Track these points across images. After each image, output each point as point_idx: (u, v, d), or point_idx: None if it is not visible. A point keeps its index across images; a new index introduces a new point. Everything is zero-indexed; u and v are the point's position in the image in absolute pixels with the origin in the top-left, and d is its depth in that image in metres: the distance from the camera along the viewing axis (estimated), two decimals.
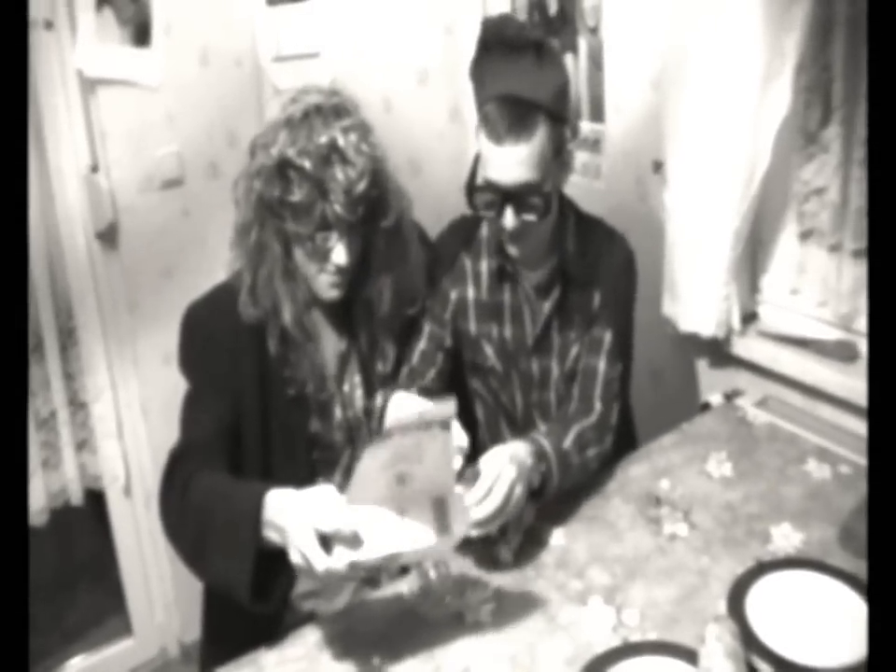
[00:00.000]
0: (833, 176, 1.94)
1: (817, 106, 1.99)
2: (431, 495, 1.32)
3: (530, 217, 1.63)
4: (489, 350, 1.84)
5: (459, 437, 1.41)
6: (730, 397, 2.04)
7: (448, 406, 1.27)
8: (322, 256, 1.48)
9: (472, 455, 1.50)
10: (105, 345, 2.33)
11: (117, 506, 2.45)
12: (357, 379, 1.64)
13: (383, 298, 1.60)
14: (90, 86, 2.13)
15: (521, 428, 1.88)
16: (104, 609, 2.63)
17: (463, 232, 1.86)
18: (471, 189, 1.67)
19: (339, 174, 1.41)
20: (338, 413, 1.63)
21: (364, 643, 1.39)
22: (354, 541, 1.26)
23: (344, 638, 1.41)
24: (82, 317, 2.31)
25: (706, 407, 2.06)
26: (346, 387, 1.64)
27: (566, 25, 2.40)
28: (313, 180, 1.41)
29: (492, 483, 1.42)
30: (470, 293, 1.82)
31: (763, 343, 2.10)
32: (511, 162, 1.59)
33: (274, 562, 1.33)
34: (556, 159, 1.66)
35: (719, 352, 2.19)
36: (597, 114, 2.34)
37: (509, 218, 1.62)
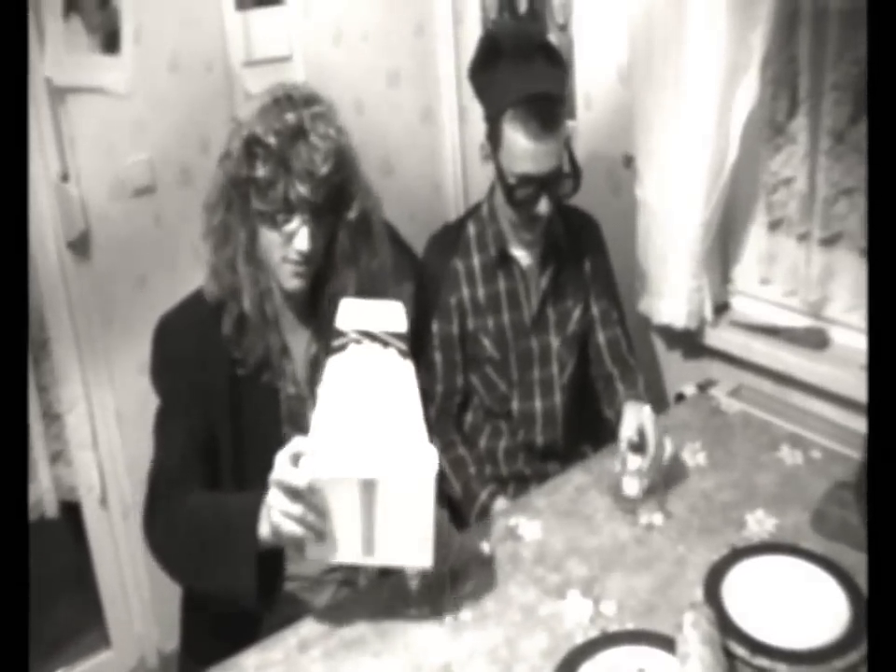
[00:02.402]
0: (801, 166, 1.96)
1: (783, 98, 2.02)
2: (399, 431, 1.28)
3: (564, 194, 1.80)
4: (486, 342, 1.93)
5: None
6: (703, 387, 2.06)
7: (398, 312, 1.32)
8: (285, 240, 1.47)
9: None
10: (78, 356, 2.30)
11: (93, 517, 2.42)
12: None
13: (347, 293, 1.57)
14: (59, 94, 2.11)
15: (519, 409, 1.96)
16: (81, 621, 2.59)
17: (447, 242, 1.96)
18: (509, 188, 1.78)
19: (303, 153, 1.42)
20: (311, 416, 1.62)
21: (344, 644, 1.38)
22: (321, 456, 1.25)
23: (324, 640, 1.40)
24: (55, 328, 2.28)
25: (680, 398, 2.08)
26: (317, 390, 1.64)
27: (535, 22, 2.41)
28: (277, 157, 1.42)
29: (658, 447, 1.64)
30: (465, 293, 1.92)
31: (735, 332, 2.12)
32: (545, 154, 1.74)
33: (270, 561, 1.35)
34: (566, 142, 1.81)
35: (692, 343, 2.21)
36: (568, 110, 2.35)
37: (543, 205, 1.77)
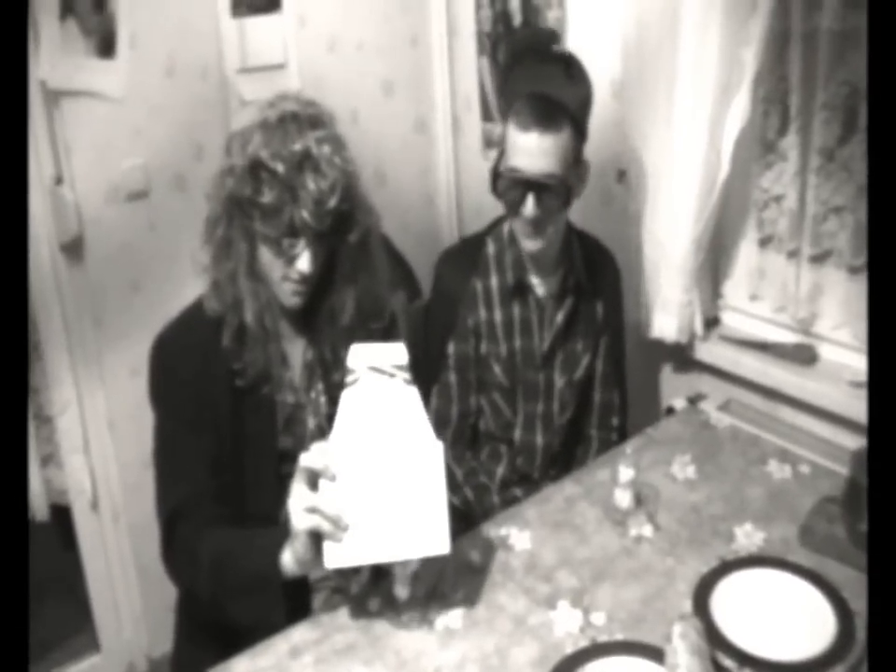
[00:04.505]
0: (791, 184, 1.97)
1: (774, 116, 2.04)
2: (408, 434, 1.37)
3: (550, 204, 1.73)
4: (497, 369, 1.90)
5: None
6: (693, 401, 2.06)
7: (400, 350, 1.40)
8: (287, 261, 1.48)
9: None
10: (70, 359, 2.30)
11: (83, 521, 2.41)
12: (321, 387, 1.65)
13: (345, 309, 1.60)
14: (53, 97, 2.11)
15: (521, 439, 1.96)
16: (71, 625, 2.59)
17: (466, 258, 1.93)
18: (496, 175, 1.76)
19: (310, 183, 1.41)
20: (310, 422, 1.63)
21: (335, 651, 1.39)
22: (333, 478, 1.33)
23: (315, 646, 1.41)
24: (47, 331, 2.28)
25: (670, 411, 2.08)
26: (312, 395, 1.65)
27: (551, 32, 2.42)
28: (284, 184, 1.41)
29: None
30: (482, 315, 1.89)
31: (725, 347, 2.14)
32: (536, 151, 1.70)
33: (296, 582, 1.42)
34: (575, 167, 1.76)
35: (682, 357, 2.22)
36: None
37: (529, 206, 1.72)
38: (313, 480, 1.34)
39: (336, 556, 1.33)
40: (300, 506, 1.33)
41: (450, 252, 2.01)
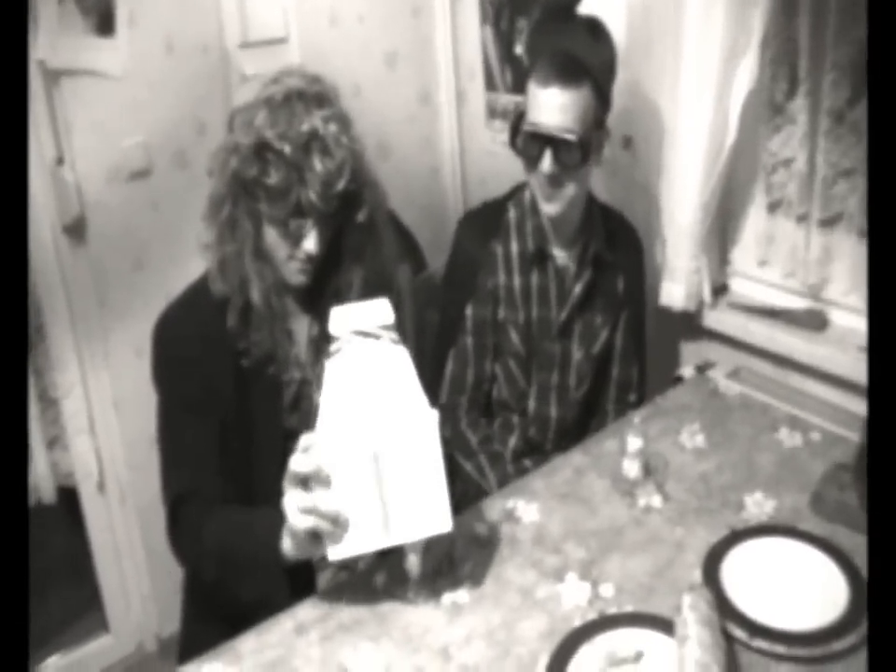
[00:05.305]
0: (800, 147, 1.95)
1: (783, 79, 2.01)
2: (400, 404, 1.33)
3: (568, 161, 1.72)
4: (514, 336, 1.89)
5: None
6: (702, 369, 2.05)
7: (384, 308, 1.36)
8: (293, 241, 1.47)
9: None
10: (74, 340, 2.29)
11: (90, 502, 2.42)
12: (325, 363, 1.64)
13: (352, 288, 1.58)
14: (53, 77, 2.09)
15: (535, 410, 1.96)
16: (79, 606, 2.60)
17: (487, 222, 1.92)
18: (514, 131, 1.76)
19: (318, 164, 1.39)
20: (316, 398, 1.62)
21: (341, 627, 1.38)
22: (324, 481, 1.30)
23: (321, 623, 1.40)
24: (50, 313, 2.27)
25: (678, 380, 2.06)
26: (318, 370, 1.63)
27: (534, 4, 2.39)
28: (291, 165, 1.39)
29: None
30: (501, 279, 1.88)
31: (734, 314, 2.12)
32: (555, 106, 1.70)
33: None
34: (596, 131, 1.76)
35: (690, 325, 2.21)
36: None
37: (547, 162, 1.72)
38: (305, 480, 1.31)
39: (338, 549, 1.32)
40: (295, 507, 1.30)
41: (471, 215, 2.00)
